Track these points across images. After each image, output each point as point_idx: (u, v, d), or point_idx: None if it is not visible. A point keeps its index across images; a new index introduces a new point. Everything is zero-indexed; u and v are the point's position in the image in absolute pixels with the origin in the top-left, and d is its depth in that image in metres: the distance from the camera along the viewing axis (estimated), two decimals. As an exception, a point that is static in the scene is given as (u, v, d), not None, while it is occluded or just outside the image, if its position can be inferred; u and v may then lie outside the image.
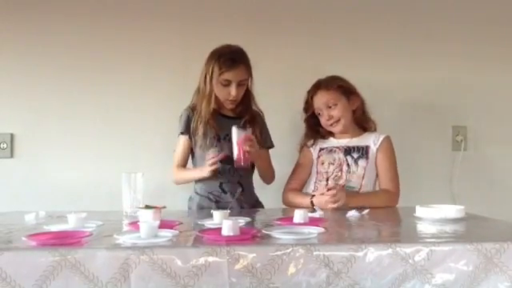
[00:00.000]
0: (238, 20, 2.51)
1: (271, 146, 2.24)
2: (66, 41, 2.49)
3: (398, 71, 2.56)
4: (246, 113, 2.15)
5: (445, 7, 2.58)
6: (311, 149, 2.23)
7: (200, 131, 2.09)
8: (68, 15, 2.49)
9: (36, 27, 2.49)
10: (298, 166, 2.24)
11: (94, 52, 2.49)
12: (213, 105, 2.10)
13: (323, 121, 2.18)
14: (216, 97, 2.10)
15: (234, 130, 1.98)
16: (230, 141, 2.08)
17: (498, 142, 2.61)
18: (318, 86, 2.19)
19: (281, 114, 2.45)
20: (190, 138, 2.15)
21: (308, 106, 2.23)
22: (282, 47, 2.53)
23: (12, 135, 2.49)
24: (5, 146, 2.48)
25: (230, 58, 2.05)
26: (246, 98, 2.16)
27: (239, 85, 2.08)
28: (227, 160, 2.07)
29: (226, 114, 2.17)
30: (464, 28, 2.58)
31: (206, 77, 2.09)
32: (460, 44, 2.58)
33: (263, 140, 2.19)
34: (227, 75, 2.05)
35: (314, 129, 2.24)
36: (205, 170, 2.03)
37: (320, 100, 2.17)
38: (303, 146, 2.25)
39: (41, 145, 2.49)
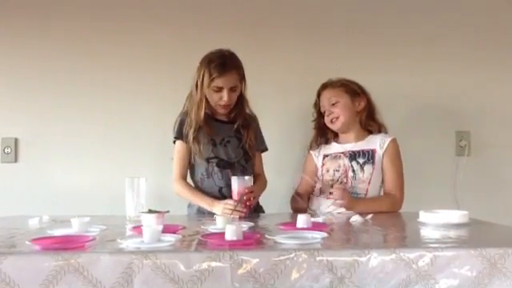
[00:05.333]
0: (237, 24, 2.51)
1: (265, 149, 2.24)
2: (70, 46, 2.50)
3: (400, 76, 2.55)
4: (240, 117, 2.15)
5: (448, 11, 2.58)
6: (314, 156, 2.22)
7: (191, 137, 2.09)
8: (70, 20, 2.50)
9: (39, 32, 2.50)
10: (303, 173, 2.23)
11: (97, 57, 2.50)
12: (203, 111, 2.08)
13: (325, 118, 2.19)
14: (208, 102, 2.10)
15: (234, 180, 1.94)
16: (225, 145, 2.11)
17: (501, 147, 2.60)
18: (325, 84, 2.23)
19: (277, 117, 2.46)
20: (186, 143, 2.15)
21: (316, 105, 2.25)
22: (281, 51, 2.53)
23: (16, 140, 2.50)
24: (9, 150, 2.49)
25: (221, 64, 2.03)
26: (239, 102, 2.15)
27: (231, 90, 2.06)
28: (226, 165, 2.08)
29: (219, 119, 2.17)
30: (468, 33, 2.58)
31: (197, 83, 2.08)
32: (464, 49, 2.58)
33: (257, 144, 2.19)
34: (218, 82, 2.03)
35: (322, 130, 2.23)
36: (217, 209, 1.94)
37: (324, 97, 2.20)
38: (308, 151, 2.25)
39: (44, 149, 2.50)
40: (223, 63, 2.04)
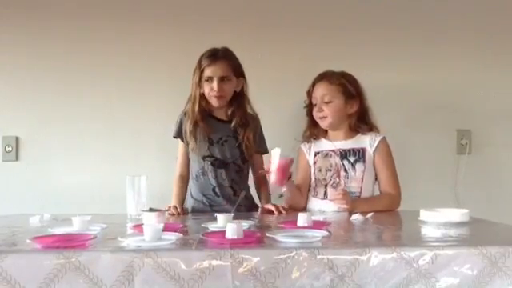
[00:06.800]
0: (237, 23, 2.51)
1: (264, 151, 2.23)
2: (71, 45, 2.50)
3: (401, 74, 2.55)
4: (238, 115, 2.15)
5: (449, 9, 2.58)
6: (306, 153, 2.19)
7: (188, 133, 2.11)
8: (71, 20, 2.50)
9: (39, 31, 2.50)
10: (296, 171, 2.19)
11: (97, 56, 2.50)
12: (198, 105, 2.11)
13: (314, 111, 2.14)
14: (205, 98, 2.13)
15: (275, 152, 1.94)
16: (222, 145, 2.12)
17: (502, 146, 2.60)
18: (323, 76, 2.15)
19: (278, 117, 2.47)
20: (184, 141, 2.17)
21: (309, 92, 2.18)
22: (280, 51, 2.52)
23: (17, 138, 2.50)
24: (10, 149, 2.49)
25: (211, 55, 2.10)
26: (239, 100, 2.17)
27: (221, 80, 2.09)
28: (221, 164, 2.11)
29: (218, 118, 2.18)
30: (469, 31, 2.57)
31: (193, 79, 2.13)
32: (465, 47, 2.57)
33: (256, 144, 2.18)
34: (208, 71, 2.09)
35: (313, 118, 2.18)
36: (171, 208, 2.00)
37: (318, 90, 2.13)
38: (302, 142, 2.22)
39: (46, 148, 2.50)
40: (213, 54, 2.11)
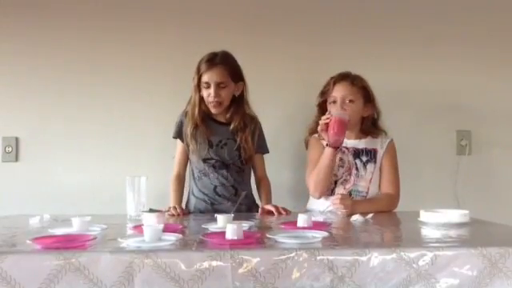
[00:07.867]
0: (239, 24, 2.51)
1: (265, 151, 2.24)
2: (70, 45, 2.49)
3: (401, 75, 2.55)
4: (236, 118, 2.15)
5: (449, 10, 2.58)
6: (323, 143, 2.11)
7: (189, 135, 2.13)
8: (71, 20, 2.50)
9: (39, 32, 2.50)
10: (312, 160, 2.14)
11: (97, 56, 2.50)
12: (198, 110, 2.12)
13: (334, 109, 2.10)
14: (205, 102, 2.14)
15: (335, 113, 2.01)
16: (222, 147, 2.13)
17: (502, 147, 2.60)
18: (346, 76, 2.15)
19: (277, 117, 2.47)
20: (184, 142, 2.18)
21: (327, 90, 2.16)
22: (281, 50, 2.52)
23: (17, 139, 2.50)
24: (10, 149, 2.49)
25: (209, 60, 2.10)
26: (238, 103, 2.17)
27: (218, 87, 2.09)
28: (222, 165, 2.12)
29: (218, 120, 2.19)
30: (469, 31, 2.57)
31: (192, 83, 2.14)
32: (464, 47, 2.57)
33: (255, 145, 2.19)
34: (205, 77, 2.09)
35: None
36: (171, 209, 2.01)
37: (341, 89, 2.12)
38: (311, 136, 2.18)
39: (45, 148, 2.50)
40: (211, 59, 2.11)
